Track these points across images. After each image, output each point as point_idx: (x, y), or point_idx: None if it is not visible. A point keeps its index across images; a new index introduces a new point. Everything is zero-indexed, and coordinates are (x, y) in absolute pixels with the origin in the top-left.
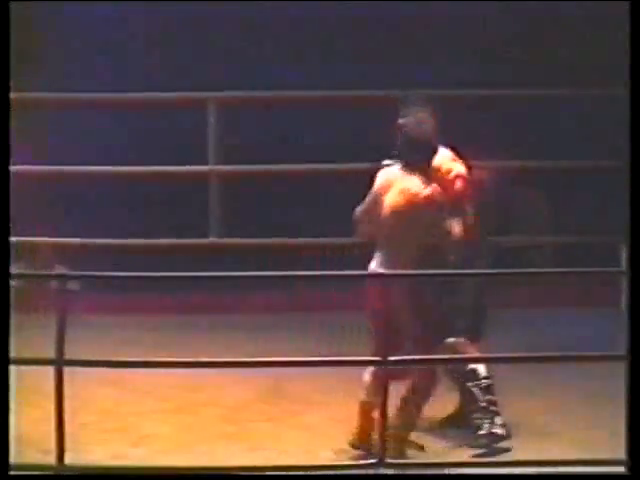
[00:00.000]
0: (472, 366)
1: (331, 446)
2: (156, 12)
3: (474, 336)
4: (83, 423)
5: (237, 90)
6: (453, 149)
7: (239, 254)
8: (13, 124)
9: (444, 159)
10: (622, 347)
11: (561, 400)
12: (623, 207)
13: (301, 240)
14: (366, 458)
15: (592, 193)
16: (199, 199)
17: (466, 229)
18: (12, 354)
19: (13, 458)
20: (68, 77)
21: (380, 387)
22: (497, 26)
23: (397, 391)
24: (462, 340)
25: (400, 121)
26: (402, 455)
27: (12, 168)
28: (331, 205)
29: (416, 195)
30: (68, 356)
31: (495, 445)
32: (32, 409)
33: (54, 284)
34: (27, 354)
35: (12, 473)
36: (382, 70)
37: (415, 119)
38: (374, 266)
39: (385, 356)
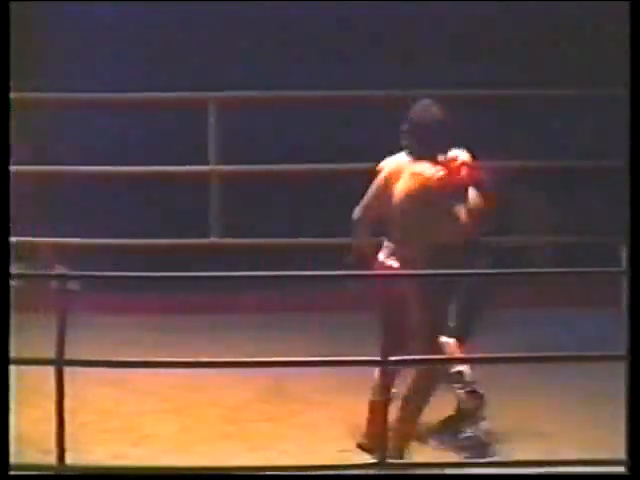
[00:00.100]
0: (458, 368)
1: (331, 446)
2: (156, 12)
3: (462, 337)
4: (83, 423)
5: (237, 90)
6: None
7: (239, 254)
8: (13, 124)
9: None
10: (622, 347)
11: (561, 400)
12: (623, 207)
13: (301, 240)
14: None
15: (592, 193)
16: (199, 199)
17: (472, 217)
18: (12, 354)
19: (13, 458)
20: (68, 77)
21: (387, 386)
22: (497, 26)
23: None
24: (449, 341)
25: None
26: (402, 455)
27: (12, 168)
28: (332, 205)
29: (429, 178)
30: (68, 356)
31: (477, 450)
32: (32, 409)
33: (54, 284)
34: (27, 354)
35: (12, 473)
36: (382, 70)
37: (422, 107)
38: (383, 257)
39: (389, 354)
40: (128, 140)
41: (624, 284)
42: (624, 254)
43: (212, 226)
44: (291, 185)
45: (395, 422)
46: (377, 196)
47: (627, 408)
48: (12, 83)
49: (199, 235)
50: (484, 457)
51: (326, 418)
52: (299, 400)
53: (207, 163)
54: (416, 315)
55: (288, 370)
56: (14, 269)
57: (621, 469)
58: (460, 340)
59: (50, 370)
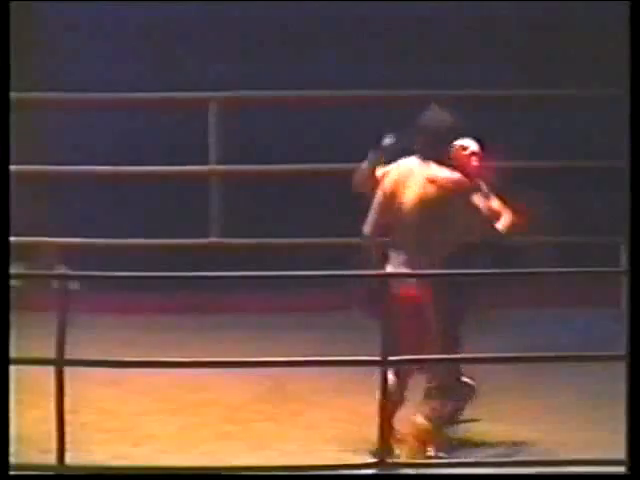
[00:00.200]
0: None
1: (332, 446)
2: (156, 12)
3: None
4: (83, 423)
5: (238, 90)
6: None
7: (239, 254)
8: (13, 124)
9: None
10: (622, 347)
11: (561, 400)
12: (623, 207)
13: (302, 240)
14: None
15: (592, 193)
16: (200, 199)
17: (491, 215)
18: (13, 354)
19: (14, 458)
20: (68, 77)
21: (401, 387)
22: (497, 26)
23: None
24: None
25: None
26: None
27: (13, 168)
28: (332, 205)
29: (445, 182)
30: (68, 356)
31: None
32: (32, 409)
33: (55, 284)
34: (28, 354)
35: (12, 473)
36: (383, 70)
37: (432, 111)
38: (393, 268)
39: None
40: (128, 140)
41: (624, 284)
42: (624, 254)
43: (212, 226)
44: (291, 185)
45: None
46: (385, 205)
47: (627, 408)
48: (12, 83)
49: (199, 235)
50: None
51: (326, 418)
52: (299, 400)
53: (207, 163)
54: (434, 322)
55: (288, 370)
56: (15, 269)
57: (621, 469)
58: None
59: (50, 370)
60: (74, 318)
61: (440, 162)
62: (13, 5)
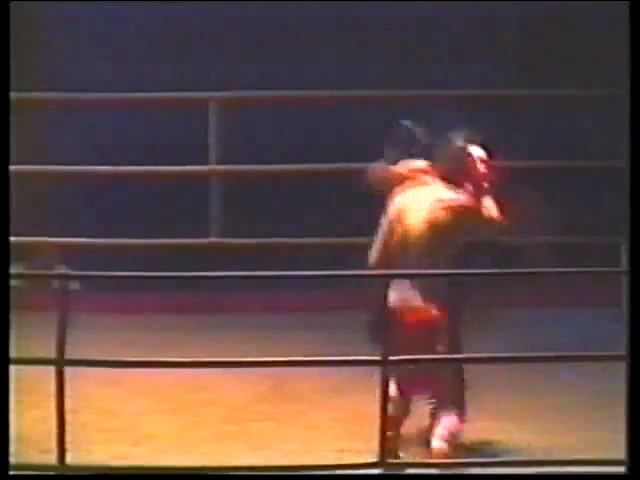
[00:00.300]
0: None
1: (332, 446)
2: (156, 12)
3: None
4: (84, 423)
5: (238, 90)
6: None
7: (239, 254)
8: (13, 124)
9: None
10: (623, 347)
11: (561, 400)
12: (624, 207)
13: (301, 240)
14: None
15: (593, 193)
16: (200, 199)
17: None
18: (13, 354)
19: (14, 458)
20: (68, 77)
21: (404, 401)
22: (497, 26)
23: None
24: None
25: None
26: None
27: (13, 168)
28: (332, 205)
29: (455, 206)
30: (69, 356)
31: None
32: (33, 409)
33: (55, 284)
34: (28, 354)
35: (12, 473)
36: (383, 69)
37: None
38: (399, 294)
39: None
40: (128, 140)
41: (624, 284)
42: (624, 254)
43: (212, 226)
44: (291, 185)
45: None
46: (391, 233)
47: (627, 408)
48: (12, 83)
49: (199, 235)
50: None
51: (326, 418)
52: (299, 400)
53: (207, 163)
54: (441, 343)
55: (289, 370)
56: (15, 269)
57: (621, 469)
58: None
59: (51, 370)
60: (74, 318)
61: (451, 177)
62: (13, 5)
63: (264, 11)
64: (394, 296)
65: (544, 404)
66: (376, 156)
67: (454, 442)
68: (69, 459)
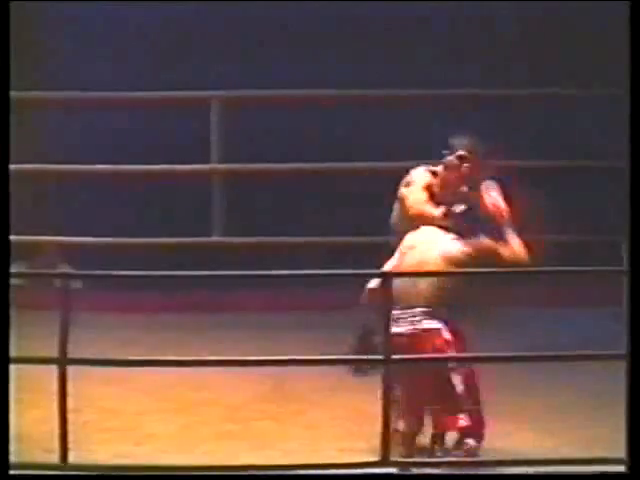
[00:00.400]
0: None
1: (333, 445)
2: (156, 12)
3: None
4: (86, 422)
5: (239, 89)
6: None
7: (242, 253)
8: (13, 123)
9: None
10: (623, 347)
11: (562, 399)
12: (624, 206)
13: (303, 239)
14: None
15: (594, 192)
16: (202, 198)
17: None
18: (15, 353)
19: (16, 457)
20: (68, 77)
21: (417, 419)
22: (497, 26)
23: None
24: None
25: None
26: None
27: (15, 167)
28: (334, 204)
29: (461, 257)
30: (71, 355)
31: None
32: (35, 408)
33: (57, 283)
34: (30, 353)
35: (13, 472)
36: (383, 69)
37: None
38: (409, 327)
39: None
40: (130, 139)
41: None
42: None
43: (214, 225)
44: (292, 184)
45: None
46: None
47: (627, 407)
48: (12, 82)
49: (202, 234)
50: None
51: (328, 417)
52: (301, 399)
53: (209, 162)
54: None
55: (290, 369)
56: (17, 268)
57: (621, 468)
58: None
59: (53, 369)
60: (76, 317)
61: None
62: (13, 5)
63: (264, 11)
64: (400, 327)
65: (544, 403)
66: (376, 155)
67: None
68: (71, 458)
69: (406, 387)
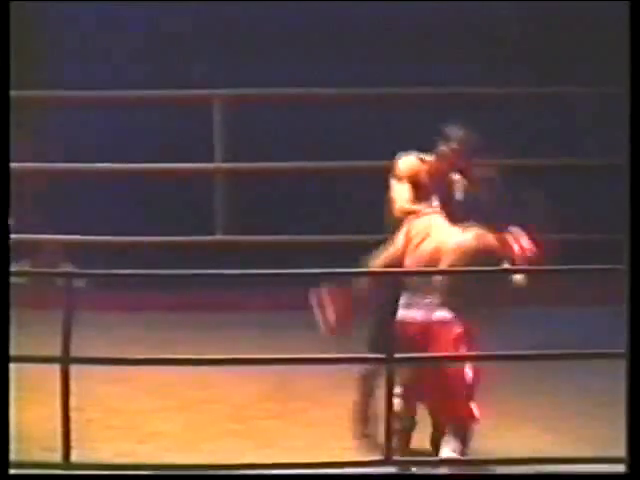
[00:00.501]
0: None
1: (337, 443)
2: (157, 11)
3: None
4: (89, 421)
5: (243, 88)
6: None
7: (245, 251)
8: (13, 123)
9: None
10: (624, 345)
11: (563, 398)
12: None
13: (306, 238)
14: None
15: (594, 191)
16: (205, 197)
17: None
18: (18, 352)
19: (19, 456)
20: (68, 77)
21: (411, 414)
22: (497, 26)
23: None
24: None
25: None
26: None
27: (16, 166)
28: (336, 202)
29: (477, 249)
30: (74, 354)
31: None
32: (38, 407)
33: (60, 281)
34: (33, 352)
35: (14, 472)
36: (384, 69)
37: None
38: (423, 314)
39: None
40: (133, 138)
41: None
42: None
43: (218, 224)
44: (296, 183)
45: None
46: (400, 256)
47: (627, 405)
48: (12, 82)
49: (205, 233)
50: None
51: (331, 415)
52: (304, 398)
53: (212, 161)
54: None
55: (293, 368)
56: (19, 267)
57: (621, 467)
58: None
59: (56, 368)
60: (79, 316)
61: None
62: (13, 5)
63: (264, 11)
64: (413, 313)
65: (545, 402)
66: (379, 154)
67: (464, 451)
68: (74, 457)
69: (409, 383)
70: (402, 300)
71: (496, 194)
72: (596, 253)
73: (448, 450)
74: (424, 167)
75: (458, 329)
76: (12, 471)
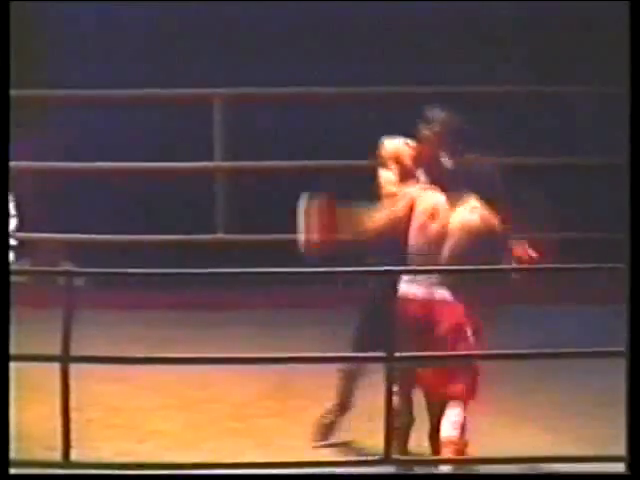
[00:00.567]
0: None
1: (338, 442)
2: (158, 11)
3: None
4: (89, 420)
5: (243, 87)
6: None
7: (246, 250)
8: (13, 122)
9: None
10: (623, 344)
11: (563, 397)
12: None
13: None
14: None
15: (593, 190)
16: (206, 195)
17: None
18: (18, 350)
19: (19, 455)
20: (69, 76)
21: (408, 410)
22: (497, 26)
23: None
24: None
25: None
26: None
27: (17, 164)
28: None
29: (476, 227)
30: (74, 352)
31: None
32: (37, 406)
33: (60, 280)
34: (33, 350)
35: (14, 472)
36: (384, 68)
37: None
38: (425, 291)
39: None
40: (132, 137)
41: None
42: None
43: (218, 222)
44: (297, 181)
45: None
46: (399, 222)
47: (627, 404)
48: (12, 81)
49: (204, 231)
50: None
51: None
52: (305, 396)
53: (212, 159)
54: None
55: (294, 366)
56: (20, 265)
57: (621, 466)
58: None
59: (56, 366)
60: (79, 314)
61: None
62: (13, 5)
63: (264, 11)
64: (415, 289)
65: (545, 401)
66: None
67: (464, 434)
68: (74, 456)
69: (407, 377)
70: (404, 276)
71: (489, 170)
72: (596, 252)
73: (449, 427)
74: (408, 150)
75: (460, 309)
76: (12, 470)
